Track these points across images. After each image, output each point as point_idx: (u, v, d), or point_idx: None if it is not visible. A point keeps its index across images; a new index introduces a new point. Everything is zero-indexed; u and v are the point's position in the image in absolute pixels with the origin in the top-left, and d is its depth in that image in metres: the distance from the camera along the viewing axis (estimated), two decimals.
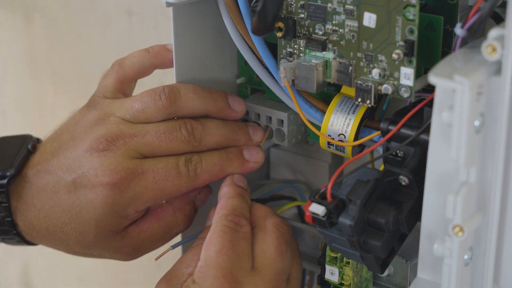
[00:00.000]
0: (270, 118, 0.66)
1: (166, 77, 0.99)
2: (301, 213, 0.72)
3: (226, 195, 0.63)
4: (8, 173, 0.64)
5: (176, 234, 0.66)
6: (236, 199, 0.62)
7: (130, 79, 0.66)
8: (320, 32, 0.58)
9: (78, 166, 0.62)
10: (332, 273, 0.60)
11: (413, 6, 0.53)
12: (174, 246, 0.64)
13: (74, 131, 0.64)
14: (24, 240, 0.66)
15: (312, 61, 0.58)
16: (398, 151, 0.56)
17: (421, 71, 0.58)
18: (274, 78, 0.63)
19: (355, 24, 0.56)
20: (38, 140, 0.69)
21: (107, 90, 0.66)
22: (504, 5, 0.52)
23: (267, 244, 0.59)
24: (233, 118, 0.65)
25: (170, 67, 0.67)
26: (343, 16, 0.56)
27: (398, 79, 0.55)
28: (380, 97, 0.60)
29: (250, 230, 0.60)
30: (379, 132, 0.58)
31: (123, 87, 0.66)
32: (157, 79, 0.75)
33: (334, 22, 0.57)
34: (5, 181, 0.64)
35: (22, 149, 0.66)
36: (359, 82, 0.57)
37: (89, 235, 0.63)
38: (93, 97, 0.66)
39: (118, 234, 0.63)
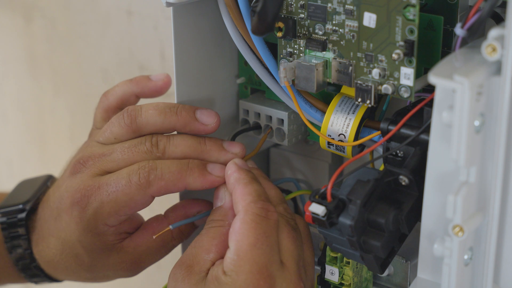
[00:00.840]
0: (270, 117, 0.66)
1: None
2: (296, 207, 0.71)
3: (241, 181, 0.60)
4: (27, 207, 0.67)
5: (172, 248, 0.66)
6: (255, 184, 0.60)
7: (114, 108, 0.68)
8: (320, 32, 0.58)
9: (59, 192, 0.64)
10: (332, 273, 0.60)
11: (413, 6, 0.53)
12: (174, 226, 0.63)
13: (71, 162, 0.66)
14: (44, 274, 0.68)
15: (312, 61, 0.58)
16: (398, 151, 0.56)
17: (421, 71, 0.58)
18: (274, 78, 0.63)
19: (355, 24, 0.56)
20: None
21: (96, 121, 0.68)
22: (504, 5, 0.52)
23: (282, 237, 0.58)
24: (203, 132, 0.63)
25: (152, 97, 0.68)
26: (343, 16, 0.56)
27: (398, 79, 0.55)
28: (380, 97, 0.60)
29: (277, 217, 0.58)
30: (379, 132, 0.58)
31: (109, 116, 0.67)
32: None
33: (334, 22, 0.57)
34: (23, 215, 0.67)
35: (42, 186, 0.70)
36: (359, 82, 0.57)
37: (83, 256, 0.64)
38: (90, 131, 0.69)
39: (113, 250, 0.64)
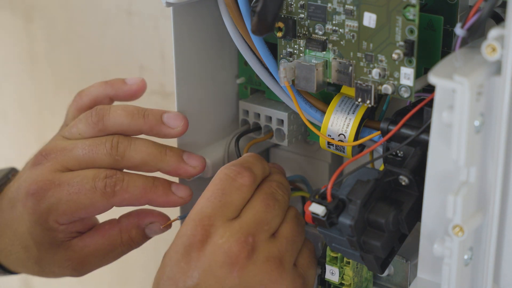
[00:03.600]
0: (270, 118, 0.66)
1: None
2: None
3: (244, 156, 0.62)
4: None
5: (121, 254, 0.66)
6: (251, 157, 0.62)
7: (87, 108, 0.68)
8: (320, 32, 0.58)
9: (18, 182, 0.64)
10: (332, 273, 0.60)
11: (413, 6, 0.53)
12: (181, 217, 0.64)
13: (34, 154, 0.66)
14: (2, 268, 0.68)
15: (312, 61, 0.58)
16: (398, 151, 0.56)
17: (421, 71, 0.58)
18: (274, 78, 0.63)
19: (355, 24, 0.56)
20: None
21: (68, 118, 0.68)
22: (504, 5, 0.52)
23: (254, 199, 0.59)
24: (169, 136, 0.64)
25: (126, 100, 0.68)
26: (343, 16, 0.56)
27: (398, 79, 0.55)
28: (380, 97, 0.60)
29: (249, 183, 0.59)
30: (379, 132, 0.58)
31: (80, 115, 0.67)
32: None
33: (334, 22, 0.57)
34: None
35: (3, 178, 0.70)
36: (359, 82, 0.57)
37: (32, 249, 0.64)
38: (61, 126, 0.69)
39: (60, 246, 0.64)
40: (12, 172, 0.72)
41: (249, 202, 0.59)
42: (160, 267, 0.57)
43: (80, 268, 0.65)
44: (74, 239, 0.64)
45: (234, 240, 0.56)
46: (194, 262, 0.56)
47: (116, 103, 0.69)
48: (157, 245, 0.82)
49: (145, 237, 0.66)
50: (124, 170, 0.64)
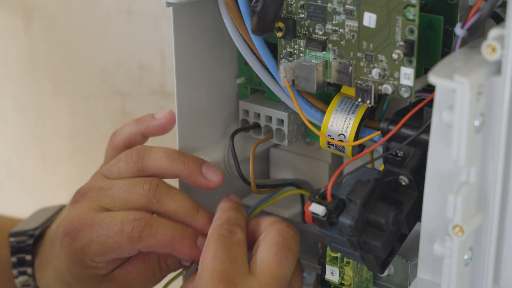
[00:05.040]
0: (270, 118, 0.66)
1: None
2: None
3: (221, 209, 0.63)
4: (36, 233, 0.68)
5: (160, 279, 0.66)
6: (231, 211, 0.63)
7: (122, 147, 0.68)
8: (320, 32, 0.58)
9: (58, 219, 0.65)
10: (332, 273, 0.60)
11: (413, 6, 0.53)
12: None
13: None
14: None
15: (312, 61, 0.58)
16: (398, 151, 0.56)
17: (421, 71, 0.58)
18: (274, 78, 0.63)
19: (355, 24, 0.56)
20: None
21: (107, 158, 0.69)
22: (504, 5, 0.52)
23: (266, 251, 0.59)
24: (205, 187, 0.64)
25: (158, 135, 0.69)
26: (343, 16, 0.56)
27: (398, 79, 0.55)
28: (380, 97, 0.60)
29: (244, 237, 0.61)
30: (379, 132, 0.58)
31: (117, 154, 0.67)
32: None
33: (334, 22, 0.57)
34: (31, 241, 0.68)
35: (53, 215, 0.71)
36: (359, 82, 0.57)
37: (74, 285, 0.64)
38: (101, 165, 0.69)
39: (103, 280, 0.64)
40: (63, 209, 0.72)
41: (261, 255, 0.59)
42: None
43: None
44: (115, 270, 0.64)
45: None
46: None
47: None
48: None
49: (181, 265, 0.66)
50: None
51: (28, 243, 0.68)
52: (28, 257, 0.68)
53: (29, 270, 0.68)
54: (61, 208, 0.72)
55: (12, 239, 0.69)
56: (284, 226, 0.61)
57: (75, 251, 0.62)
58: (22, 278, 0.68)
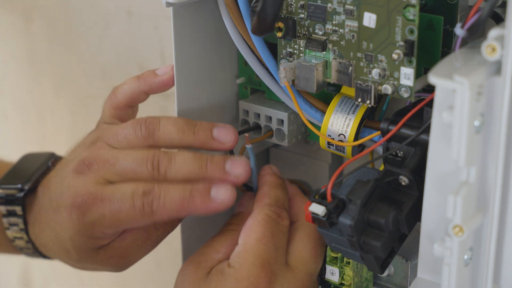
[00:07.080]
0: (270, 118, 0.66)
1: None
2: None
3: (268, 183, 0.63)
4: (26, 187, 0.68)
5: (157, 240, 0.65)
6: (279, 189, 0.63)
7: (123, 106, 0.67)
8: (320, 32, 0.58)
9: (61, 186, 0.64)
10: (332, 273, 0.60)
11: (413, 6, 0.53)
12: (248, 147, 0.62)
13: (74, 151, 0.66)
14: (38, 252, 0.69)
15: (312, 61, 0.58)
16: (398, 151, 0.56)
17: (421, 71, 0.58)
18: (274, 78, 0.63)
19: (355, 24, 0.56)
20: (60, 158, 0.71)
21: (104, 116, 0.67)
22: (504, 5, 0.52)
23: (304, 244, 0.60)
24: (220, 150, 0.63)
25: (159, 92, 0.67)
26: (343, 16, 0.56)
27: (398, 79, 0.55)
28: (380, 97, 0.60)
29: (289, 224, 0.61)
30: (379, 132, 0.58)
31: (117, 113, 0.67)
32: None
33: (334, 22, 0.57)
34: (21, 194, 0.67)
35: (42, 165, 0.70)
36: (359, 82, 0.57)
37: (72, 253, 0.64)
38: (98, 122, 0.68)
39: (101, 249, 0.64)
40: (51, 160, 0.71)
41: (299, 247, 0.60)
42: None
43: (122, 263, 0.65)
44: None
45: None
46: None
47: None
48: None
49: (178, 221, 0.65)
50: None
51: (18, 196, 0.67)
52: (19, 211, 0.67)
53: (19, 222, 0.67)
54: (50, 157, 0.71)
55: (0, 191, 0.68)
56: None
57: (85, 224, 0.62)
58: (13, 229, 0.68)
